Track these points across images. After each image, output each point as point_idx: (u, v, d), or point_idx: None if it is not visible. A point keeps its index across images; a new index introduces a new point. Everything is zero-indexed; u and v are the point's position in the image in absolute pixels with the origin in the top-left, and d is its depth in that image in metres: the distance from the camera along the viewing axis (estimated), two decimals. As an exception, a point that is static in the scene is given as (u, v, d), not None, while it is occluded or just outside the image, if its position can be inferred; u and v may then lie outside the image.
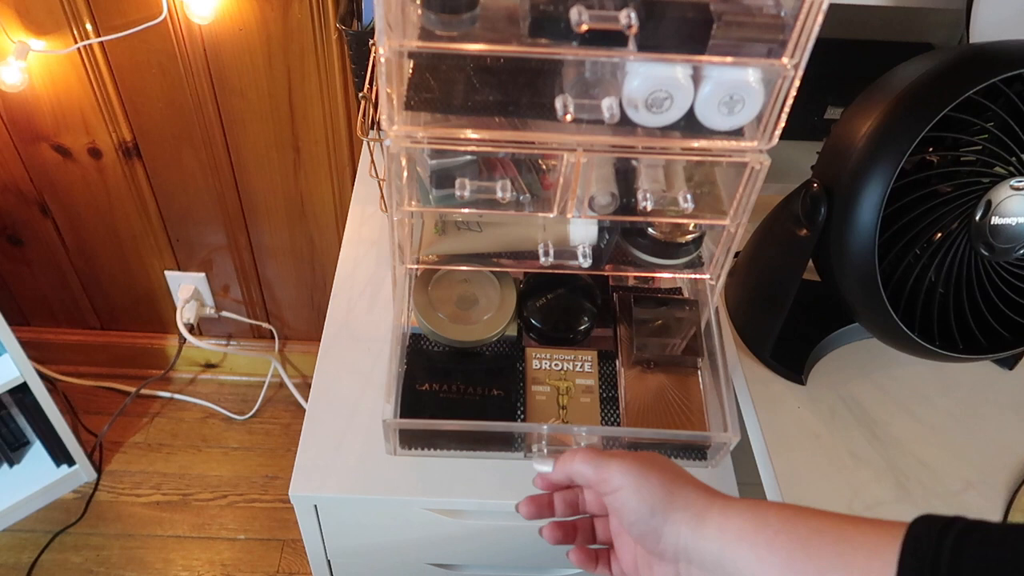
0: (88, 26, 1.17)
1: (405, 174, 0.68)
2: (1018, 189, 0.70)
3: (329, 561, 0.92)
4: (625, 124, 0.63)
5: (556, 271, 0.77)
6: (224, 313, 1.69)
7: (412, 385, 0.82)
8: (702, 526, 0.46)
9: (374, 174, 1.03)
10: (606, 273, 0.84)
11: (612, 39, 0.57)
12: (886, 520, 0.40)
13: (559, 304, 0.88)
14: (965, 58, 0.69)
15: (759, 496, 0.66)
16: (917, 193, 0.71)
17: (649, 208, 0.69)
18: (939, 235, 0.72)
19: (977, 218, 0.71)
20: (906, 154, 0.67)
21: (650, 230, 0.78)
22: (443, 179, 0.70)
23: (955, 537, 0.37)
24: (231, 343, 1.76)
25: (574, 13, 0.55)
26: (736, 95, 0.61)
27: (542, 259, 0.74)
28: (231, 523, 1.60)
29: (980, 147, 0.70)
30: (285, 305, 1.68)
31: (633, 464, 0.50)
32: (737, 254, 0.90)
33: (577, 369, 0.85)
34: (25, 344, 1.32)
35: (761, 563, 0.43)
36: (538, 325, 0.86)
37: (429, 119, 0.64)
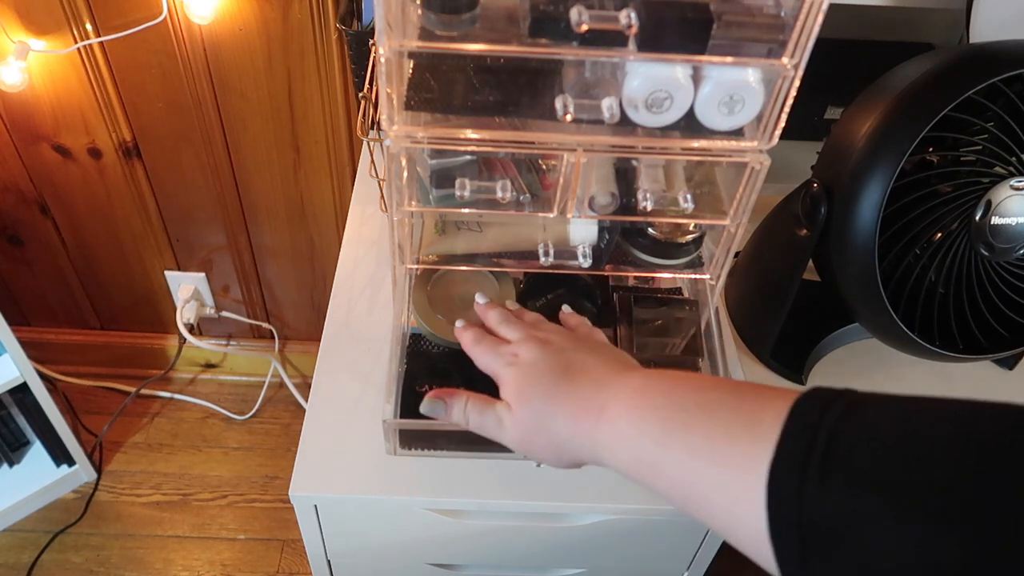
0: (88, 26, 1.17)
1: (405, 174, 0.68)
2: (1018, 189, 0.70)
3: (329, 561, 0.92)
4: (625, 124, 0.63)
5: (556, 271, 0.77)
6: (224, 313, 1.69)
7: (412, 387, 0.82)
8: (598, 454, 0.47)
9: (374, 174, 1.03)
10: (606, 273, 0.84)
11: (612, 39, 0.57)
12: (778, 393, 0.39)
13: (559, 304, 0.88)
14: (965, 58, 0.69)
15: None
16: (917, 193, 0.71)
17: (649, 208, 0.68)
18: (939, 235, 0.72)
19: (977, 218, 0.71)
20: (906, 154, 0.67)
21: (650, 230, 0.78)
22: (443, 179, 0.70)
23: (837, 417, 0.36)
24: (231, 343, 1.76)
25: (574, 13, 0.55)
26: (736, 95, 0.61)
27: (542, 259, 0.74)
28: (231, 523, 1.60)
29: (980, 147, 0.70)
30: (285, 305, 1.68)
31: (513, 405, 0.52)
32: (737, 254, 0.90)
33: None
34: (25, 344, 1.32)
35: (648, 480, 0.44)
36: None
37: (429, 119, 0.64)
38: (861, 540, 0.33)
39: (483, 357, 0.59)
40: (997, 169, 0.70)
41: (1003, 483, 0.30)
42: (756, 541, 0.37)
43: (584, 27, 0.55)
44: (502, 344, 0.59)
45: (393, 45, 0.57)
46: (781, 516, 0.35)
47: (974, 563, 0.29)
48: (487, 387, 0.84)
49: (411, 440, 0.80)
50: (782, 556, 0.36)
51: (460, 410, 0.57)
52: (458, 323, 0.64)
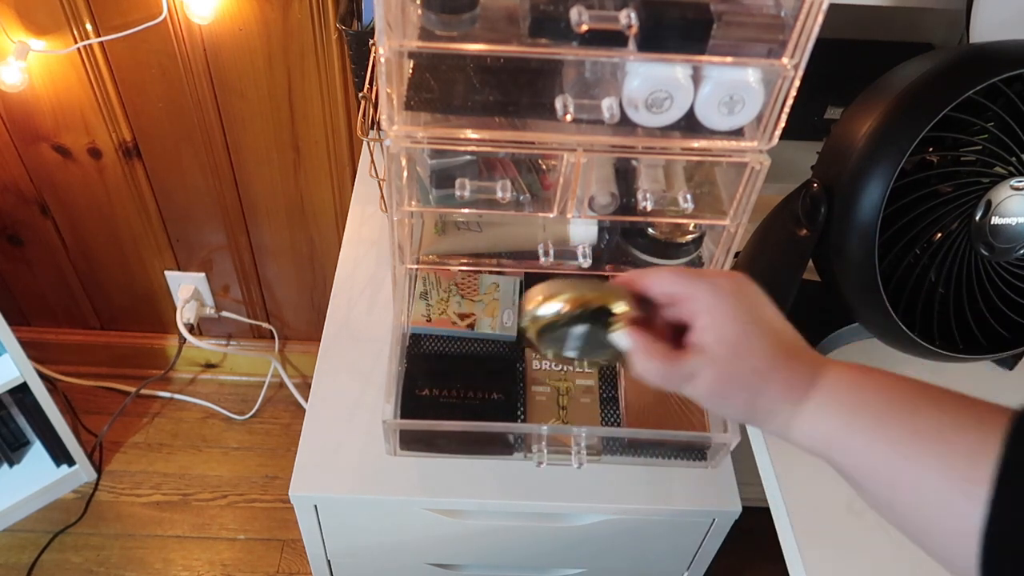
0: (88, 26, 1.17)
1: (405, 174, 0.68)
2: (1018, 189, 0.70)
3: (329, 561, 0.92)
4: (625, 124, 0.63)
5: (556, 271, 0.77)
6: (224, 313, 1.69)
7: (412, 390, 0.82)
8: (789, 430, 0.45)
9: (374, 174, 1.03)
10: (606, 273, 0.84)
11: (612, 39, 0.57)
12: (987, 411, 0.38)
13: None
14: (965, 58, 0.69)
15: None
16: (917, 193, 0.71)
17: (649, 208, 0.68)
18: (939, 235, 0.72)
19: (977, 218, 0.71)
20: (906, 154, 0.67)
21: (650, 230, 0.78)
22: (443, 179, 0.70)
23: None
24: (231, 343, 1.76)
25: (574, 13, 0.55)
26: (736, 95, 0.61)
27: (542, 259, 0.74)
28: (231, 523, 1.60)
29: (980, 147, 0.70)
30: (285, 305, 1.68)
31: (727, 339, 0.45)
32: (737, 254, 0.90)
33: (577, 369, 0.85)
34: (25, 344, 1.32)
35: (850, 464, 0.42)
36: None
37: (429, 119, 0.64)
38: None
39: (673, 279, 0.47)
40: (997, 169, 0.70)
41: None
42: (956, 549, 0.35)
43: (584, 27, 0.55)
44: (691, 269, 0.49)
45: (393, 45, 0.57)
46: (998, 542, 0.34)
47: None
48: (487, 390, 0.84)
49: (411, 440, 0.80)
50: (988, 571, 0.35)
51: (639, 356, 0.47)
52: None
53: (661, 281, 0.47)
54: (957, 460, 0.37)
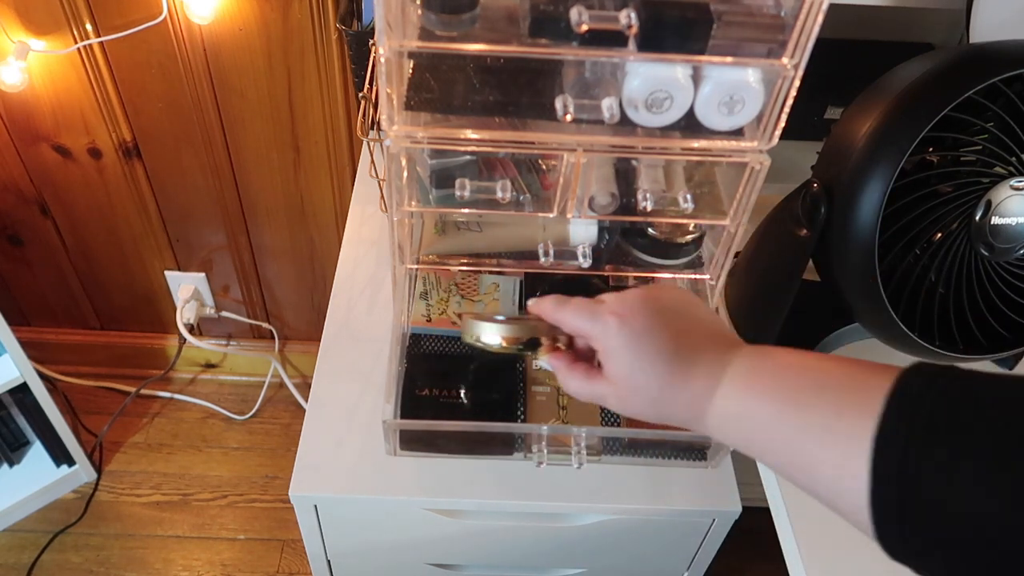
0: (88, 26, 1.17)
1: (405, 174, 0.68)
2: (1018, 189, 0.70)
3: (329, 561, 0.92)
4: (625, 124, 0.63)
5: (556, 271, 0.77)
6: (224, 313, 1.69)
7: (412, 390, 0.82)
8: (700, 422, 0.48)
9: (374, 174, 1.03)
10: (606, 273, 0.84)
11: (612, 39, 0.57)
12: (878, 370, 0.41)
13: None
14: (965, 58, 0.69)
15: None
16: (917, 193, 0.71)
17: (649, 208, 0.68)
18: (939, 235, 0.72)
19: (977, 218, 0.71)
20: (906, 154, 0.67)
21: (650, 230, 0.78)
22: (443, 179, 0.70)
23: (941, 391, 0.37)
24: (231, 343, 1.76)
25: (574, 13, 0.55)
26: (736, 95, 0.61)
27: (542, 259, 0.74)
28: (231, 523, 1.60)
29: (980, 147, 0.70)
30: (285, 305, 1.68)
31: (629, 342, 0.49)
32: (737, 254, 0.90)
33: None
34: (25, 344, 1.32)
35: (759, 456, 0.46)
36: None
37: (429, 119, 0.64)
38: (959, 509, 0.34)
39: (570, 317, 0.53)
40: (997, 169, 0.70)
41: None
42: (859, 510, 0.38)
43: (584, 27, 0.55)
44: (598, 305, 0.52)
45: (393, 45, 0.57)
46: (882, 487, 0.36)
47: None
48: (487, 391, 0.84)
49: (411, 440, 0.80)
50: (880, 523, 0.37)
51: (562, 376, 0.54)
52: (530, 301, 0.57)
53: (566, 319, 0.53)
54: (837, 451, 0.39)
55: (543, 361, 0.58)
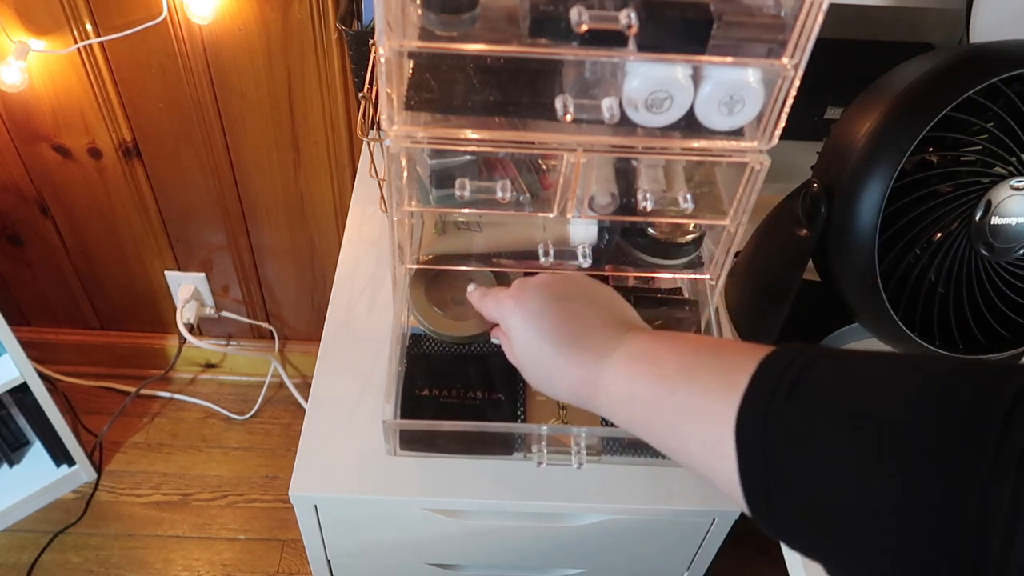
0: (88, 26, 1.17)
1: (405, 174, 0.68)
2: (1018, 189, 0.70)
3: (329, 561, 0.92)
4: (625, 124, 0.63)
5: (556, 271, 0.77)
6: (224, 313, 1.69)
7: (412, 390, 0.82)
8: (591, 402, 0.51)
9: (374, 174, 1.03)
10: (606, 273, 0.84)
11: (612, 39, 0.57)
12: (753, 349, 0.42)
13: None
14: (965, 58, 0.69)
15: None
16: (917, 193, 0.71)
17: (649, 208, 0.68)
18: (939, 235, 0.72)
19: (977, 218, 0.71)
20: (906, 154, 0.67)
21: (650, 230, 0.78)
22: (443, 179, 0.70)
23: (802, 365, 0.38)
24: (231, 343, 1.76)
25: (574, 13, 0.55)
26: (736, 95, 0.61)
27: (542, 259, 0.74)
28: (231, 523, 1.60)
29: (980, 147, 0.70)
30: (285, 305, 1.68)
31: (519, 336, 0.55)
32: (737, 254, 0.90)
33: None
34: (25, 344, 1.32)
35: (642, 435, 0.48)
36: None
37: (429, 119, 0.64)
38: (815, 471, 0.36)
39: (487, 306, 0.61)
40: (997, 169, 0.70)
41: (942, 425, 0.32)
42: (732, 482, 0.39)
43: (584, 27, 0.55)
44: (502, 289, 0.60)
45: (393, 45, 0.57)
46: (747, 448, 0.39)
47: (906, 498, 0.32)
48: (487, 391, 0.84)
49: (411, 440, 0.80)
50: (749, 492, 0.39)
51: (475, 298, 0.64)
52: (470, 287, 0.66)
53: (484, 308, 0.62)
54: (708, 427, 0.41)
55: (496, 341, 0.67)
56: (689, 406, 0.43)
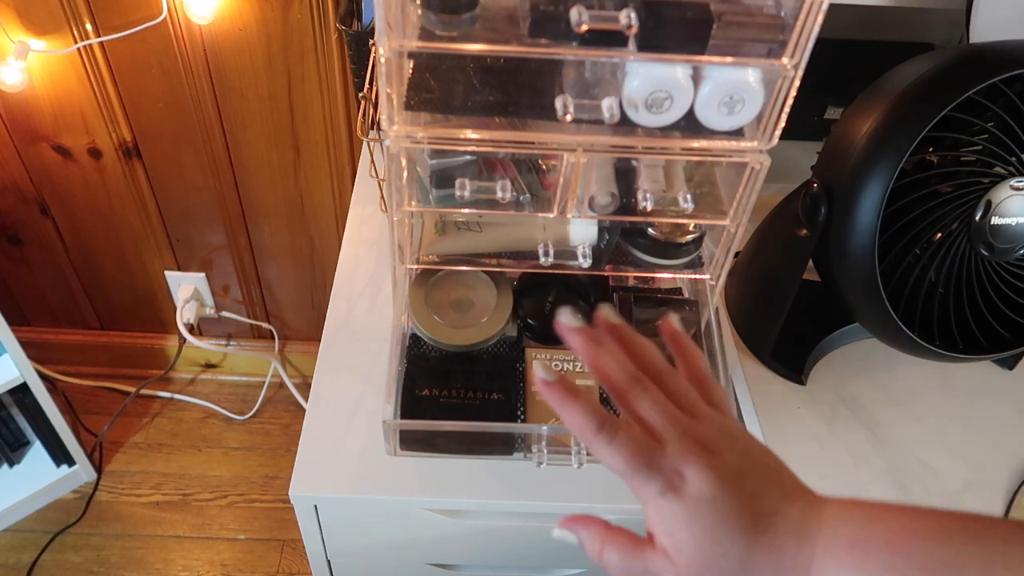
0: (88, 26, 1.17)
1: (405, 174, 0.68)
2: (1018, 189, 0.70)
3: (329, 561, 0.92)
4: (625, 124, 0.63)
5: (556, 271, 0.77)
6: (224, 313, 1.69)
7: (412, 390, 0.82)
8: None
9: (374, 174, 1.03)
10: (606, 273, 0.84)
11: (612, 39, 0.57)
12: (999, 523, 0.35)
13: (553, 304, 0.88)
14: (965, 58, 0.69)
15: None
16: (917, 193, 0.71)
17: (649, 208, 0.68)
18: (939, 235, 0.72)
19: (977, 218, 0.71)
20: (906, 154, 0.67)
21: (650, 230, 0.78)
22: (443, 179, 0.70)
23: None
24: (231, 343, 1.76)
25: (574, 13, 0.55)
26: (736, 95, 0.61)
27: (542, 259, 0.74)
28: (231, 523, 1.60)
29: (980, 147, 0.70)
30: (285, 305, 1.68)
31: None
32: (737, 254, 0.90)
33: (577, 369, 0.85)
34: (25, 344, 1.32)
35: None
36: (533, 324, 0.86)
37: (429, 119, 0.64)
38: None
39: (626, 466, 0.42)
40: (997, 169, 0.70)
41: None
42: None
43: (584, 27, 0.55)
44: (654, 452, 0.42)
45: (393, 45, 0.57)
46: None
47: None
48: (487, 390, 0.84)
49: (411, 440, 0.80)
50: None
51: (595, 548, 0.44)
52: (545, 377, 0.42)
53: (609, 462, 0.43)
54: None
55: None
56: None
